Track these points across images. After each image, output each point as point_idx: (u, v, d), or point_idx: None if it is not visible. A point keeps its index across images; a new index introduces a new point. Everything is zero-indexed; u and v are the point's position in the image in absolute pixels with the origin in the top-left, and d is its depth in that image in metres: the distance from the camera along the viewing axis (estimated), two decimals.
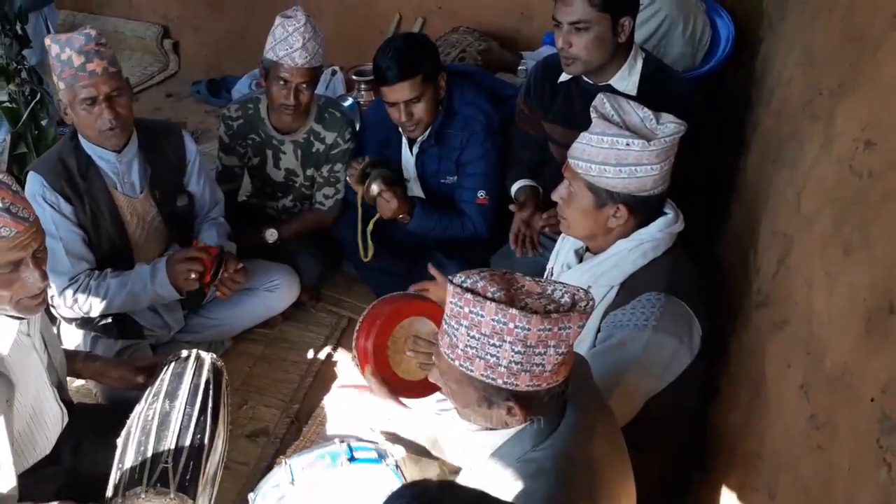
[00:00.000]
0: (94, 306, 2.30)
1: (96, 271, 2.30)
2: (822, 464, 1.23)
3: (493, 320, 1.20)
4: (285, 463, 1.80)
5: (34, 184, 2.20)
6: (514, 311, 1.19)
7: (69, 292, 2.26)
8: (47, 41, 2.16)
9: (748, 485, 1.58)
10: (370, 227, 2.65)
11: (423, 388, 2.14)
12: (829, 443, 1.22)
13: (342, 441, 1.82)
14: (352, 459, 1.76)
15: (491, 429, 1.34)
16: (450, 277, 1.27)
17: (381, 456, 1.78)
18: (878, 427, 1.05)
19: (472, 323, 1.22)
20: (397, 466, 1.77)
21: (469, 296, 1.21)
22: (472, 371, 1.25)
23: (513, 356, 1.21)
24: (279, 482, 1.77)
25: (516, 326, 1.19)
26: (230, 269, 2.37)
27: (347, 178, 2.68)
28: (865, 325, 1.16)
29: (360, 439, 1.87)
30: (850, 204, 1.35)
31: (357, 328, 2.11)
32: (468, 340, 1.23)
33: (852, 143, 1.38)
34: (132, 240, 2.39)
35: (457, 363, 1.27)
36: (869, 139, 1.31)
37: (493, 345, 1.21)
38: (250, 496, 1.80)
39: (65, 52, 2.09)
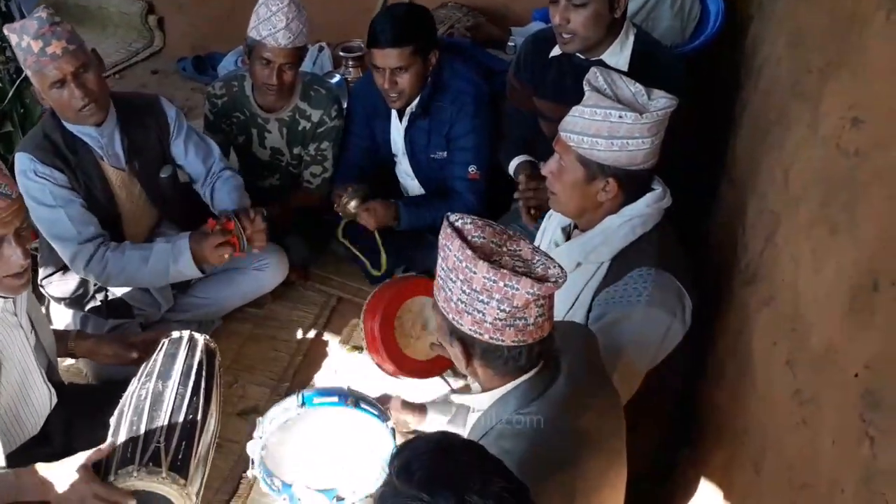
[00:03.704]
0: (113, 277, 2.28)
1: (112, 242, 2.29)
2: (807, 439, 1.25)
3: (484, 278, 1.22)
4: (299, 392, 1.91)
5: (24, 161, 2.18)
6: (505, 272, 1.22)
7: (81, 258, 2.23)
8: (5, 31, 2.12)
9: (734, 461, 1.60)
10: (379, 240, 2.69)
11: (429, 368, 2.18)
12: (814, 418, 1.24)
13: (352, 391, 1.93)
14: (357, 405, 1.88)
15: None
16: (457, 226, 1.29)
17: (384, 417, 1.89)
18: (861, 402, 1.06)
19: (465, 278, 1.25)
20: (394, 431, 1.88)
21: (469, 252, 1.24)
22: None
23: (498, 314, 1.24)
24: (289, 406, 1.88)
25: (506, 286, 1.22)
26: (250, 229, 2.36)
27: (336, 209, 2.69)
28: (850, 302, 1.18)
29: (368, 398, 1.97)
30: (837, 183, 1.35)
31: (364, 309, 2.14)
32: (461, 295, 1.26)
33: (839, 122, 1.38)
34: (122, 213, 2.37)
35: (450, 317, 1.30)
36: (856, 117, 1.32)
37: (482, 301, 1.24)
38: (258, 419, 1.90)
39: (23, 40, 2.05)
